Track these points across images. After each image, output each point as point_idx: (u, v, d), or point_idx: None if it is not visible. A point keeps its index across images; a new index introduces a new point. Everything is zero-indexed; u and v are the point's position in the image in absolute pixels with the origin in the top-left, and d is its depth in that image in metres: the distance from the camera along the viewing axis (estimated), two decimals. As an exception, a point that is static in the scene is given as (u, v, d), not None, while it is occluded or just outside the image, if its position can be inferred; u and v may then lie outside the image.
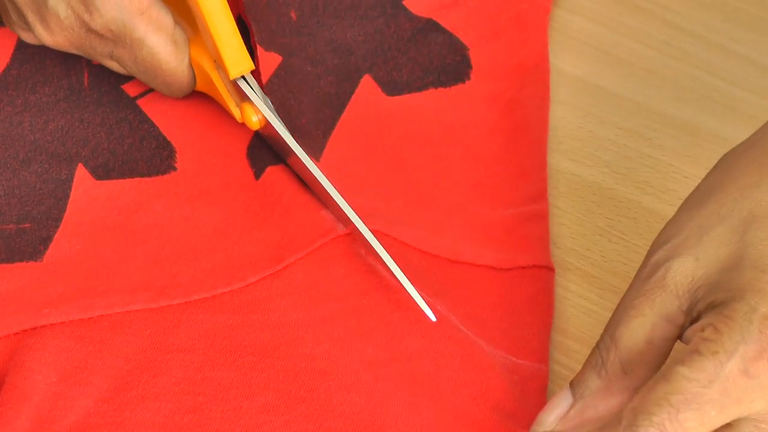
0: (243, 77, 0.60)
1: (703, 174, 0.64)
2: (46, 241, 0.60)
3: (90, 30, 0.58)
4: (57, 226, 0.61)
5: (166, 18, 0.59)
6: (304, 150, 0.60)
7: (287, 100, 0.65)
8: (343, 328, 0.57)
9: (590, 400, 0.51)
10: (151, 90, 0.64)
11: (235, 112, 0.61)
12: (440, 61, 0.67)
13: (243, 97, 0.60)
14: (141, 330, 0.57)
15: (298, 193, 0.61)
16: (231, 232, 0.60)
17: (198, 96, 0.63)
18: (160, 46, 0.59)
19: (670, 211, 0.62)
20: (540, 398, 0.55)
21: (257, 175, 0.62)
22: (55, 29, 0.59)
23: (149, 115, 0.64)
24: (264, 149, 0.63)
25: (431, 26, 0.68)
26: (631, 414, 0.48)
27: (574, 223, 0.61)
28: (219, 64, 0.60)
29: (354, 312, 0.57)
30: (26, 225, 0.61)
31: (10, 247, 0.60)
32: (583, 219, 0.61)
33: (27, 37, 0.62)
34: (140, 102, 0.64)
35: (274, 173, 0.62)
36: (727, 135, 0.64)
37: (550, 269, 0.59)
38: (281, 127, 0.60)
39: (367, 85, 0.66)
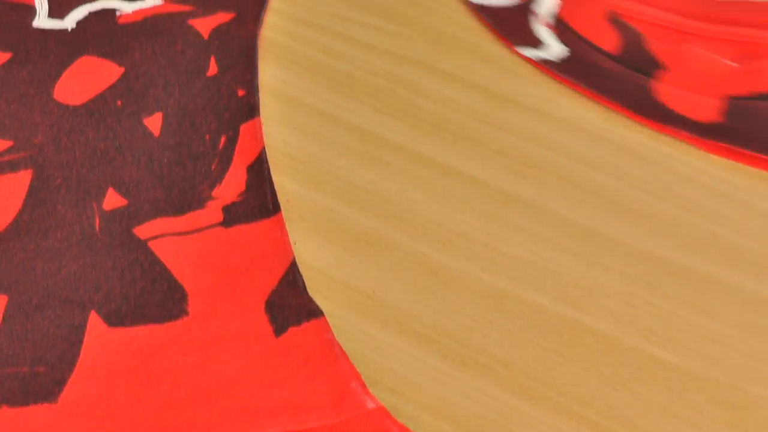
0: None
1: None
2: (61, 383, 0.60)
3: None
4: (71, 370, 0.60)
5: None
6: None
7: None
8: None
9: None
10: (163, 234, 0.64)
11: None
12: None
13: None
14: None
15: (326, 360, 0.60)
16: (248, 384, 0.60)
17: (213, 240, 0.63)
18: None
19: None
20: None
21: (277, 332, 0.62)
22: None
23: (160, 257, 0.64)
24: (285, 306, 0.62)
25: None
26: None
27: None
28: None
29: None
30: (40, 368, 0.60)
31: (25, 390, 0.60)
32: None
33: None
34: (151, 244, 0.64)
35: (297, 335, 0.61)
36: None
37: None
38: None
39: None
